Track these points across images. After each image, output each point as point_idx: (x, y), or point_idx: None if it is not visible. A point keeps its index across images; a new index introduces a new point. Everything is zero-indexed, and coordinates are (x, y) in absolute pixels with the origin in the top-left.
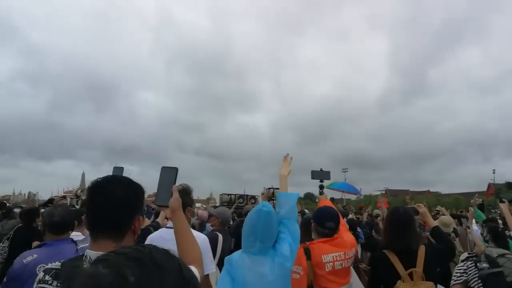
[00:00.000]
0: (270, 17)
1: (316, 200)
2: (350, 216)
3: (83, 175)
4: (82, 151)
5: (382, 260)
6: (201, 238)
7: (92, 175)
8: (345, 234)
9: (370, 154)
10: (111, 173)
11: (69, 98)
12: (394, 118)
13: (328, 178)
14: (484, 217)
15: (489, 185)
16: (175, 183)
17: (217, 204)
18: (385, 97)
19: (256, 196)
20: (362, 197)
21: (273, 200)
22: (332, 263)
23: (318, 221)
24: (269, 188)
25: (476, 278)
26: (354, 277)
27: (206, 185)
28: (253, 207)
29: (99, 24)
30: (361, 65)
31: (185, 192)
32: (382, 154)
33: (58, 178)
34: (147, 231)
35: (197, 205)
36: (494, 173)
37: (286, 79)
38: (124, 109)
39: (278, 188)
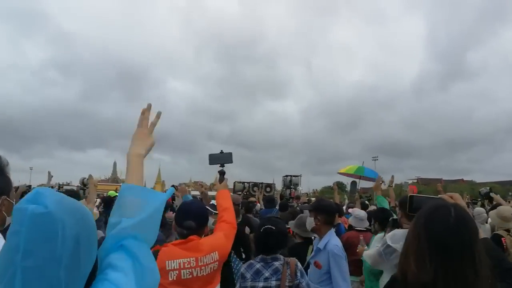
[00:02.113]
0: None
1: (345, 192)
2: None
3: (115, 164)
4: (114, 140)
5: None
6: None
7: (124, 164)
8: (213, 235)
9: (403, 142)
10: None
11: (100, 86)
12: (430, 103)
13: (230, 161)
14: (387, 204)
15: None
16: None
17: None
18: (421, 82)
19: (273, 184)
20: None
21: (291, 188)
22: (177, 271)
23: (177, 219)
24: (286, 176)
25: None
26: None
27: (235, 174)
28: (267, 196)
29: (129, 11)
30: (396, 47)
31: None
32: (416, 141)
33: (91, 167)
34: None
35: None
36: None
37: (318, 63)
38: (154, 97)
39: (296, 176)
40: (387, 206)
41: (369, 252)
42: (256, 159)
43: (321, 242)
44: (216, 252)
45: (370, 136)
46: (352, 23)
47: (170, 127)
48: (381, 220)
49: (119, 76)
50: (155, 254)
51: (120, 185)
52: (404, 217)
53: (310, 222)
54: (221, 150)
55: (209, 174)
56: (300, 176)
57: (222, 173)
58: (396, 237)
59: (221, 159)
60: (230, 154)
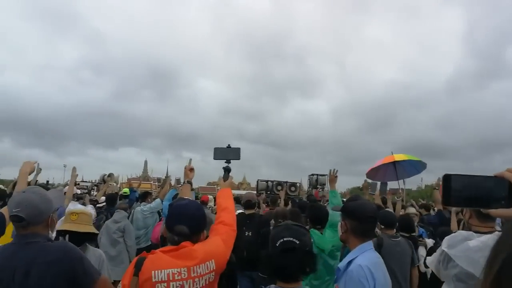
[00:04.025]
0: None
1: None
2: (412, 210)
3: (146, 162)
4: (145, 139)
5: None
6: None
7: (155, 163)
8: (209, 240)
9: (435, 142)
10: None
11: (132, 85)
12: (464, 103)
13: (238, 158)
14: (339, 201)
15: None
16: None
17: (254, 192)
18: (456, 80)
19: (298, 183)
20: (423, 187)
21: (317, 188)
22: (165, 284)
23: (167, 223)
24: (312, 175)
25: None
26: None
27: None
28: (272, 196)
29: (160, 10)
30: (431, 44)
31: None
32: (449, 141)
33: (123, 165)
34: None
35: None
36: None
37: (349, 61)
38: (184, 96)
39: (323, 175)
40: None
41: (430, 258)
42: (285, 158)
43: (344, 260)
44: (213, 260)
45: (402, 136)
46: (386, 19)
47: (200, 126)
48: (313, 218)
49: (151, 75)
50: (140, 262)
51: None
52: (473, 218)
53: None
54: (228, 145)
55: (239, 173)
56: (327, 175)
57: (227, 170)
58: (454, 241)
59: (227, 154)
60: (238, 149)
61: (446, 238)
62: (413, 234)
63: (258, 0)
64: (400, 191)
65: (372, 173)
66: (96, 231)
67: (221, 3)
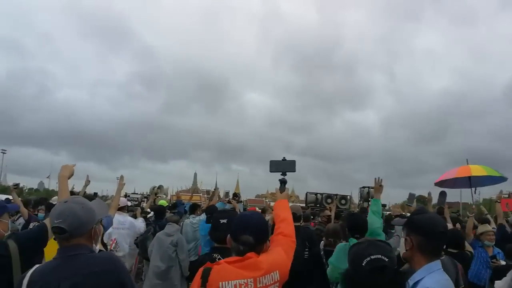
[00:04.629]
0: (382, 3)
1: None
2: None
3: (195, 175)
4: (194, 151)
5: None
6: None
7: (204, 175)
8: (272, 251)
9: (492, 153)
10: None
11: (182, 98)
12: None
13: (293, 170)
14: (380, 209)
15: None
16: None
17: (300, 205)
18: None
19: (348, 196)
20: (481, 201)
21: (369, 201)
22: None
23: (233, 233)
24: (363, 187)
25: None
26: None
27: (313, 186)
28: (344, 209)
29: (207, 22)
30: (487, 51)
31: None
32: (508, 153)
33: (173, 177)
34: None
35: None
36: None
37: (399, 71)
38: (233, 109)
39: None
40: (378, 211)
41: (500, 283)
42: (333, 171)
43: (410, 280)
44: (277, 271)
45: (456, 147)
46: (438, 26)
47: (248, 139)
48: (351, 226)
49: (200, 88)
50: (206, 273)
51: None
52: None
53: (403, 244)
54: (284, 158)
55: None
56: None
57: (283, 182)
58: None
59: (283, 166)
60: (293, 162)
61: None
62: (467, 250)
63: (305, 10)
64: (473, 206)
65: (440, 182)
66: None
67: (267, 14)
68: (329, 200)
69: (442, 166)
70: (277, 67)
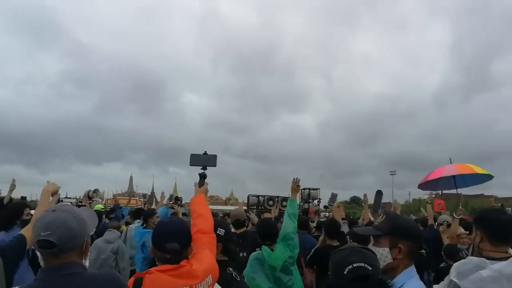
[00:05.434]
0: (320, 8)
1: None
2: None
3: (131, 178)
4: (130, 154)
5: None
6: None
7: (140, 178)
8: (203, 257)
9: (422, 155)
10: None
11: (117, 99)
12: (451, 116)
13: (214, 165)
14: (296, 211)
15: None
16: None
17: (244, 208)
18: (443, 94)
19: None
20: (411, 201)
21: (309, 202)
22: None
23: (155, 241)
24: (303, 189)
25: None
26: None
27: (252, 188)
28: (301, 218)
29: (144, 22)
30: (418, 57)
31: None
32: (435, 155)
33: (108, 181)
34: None
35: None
36: None
37: (337, 75)
38: (170, 110)
39: (315, 189)
40: (295, 212)
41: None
42: (272, 173)
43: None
44: (210, 275)
45: (388, 149)
46: (372, 32)
47: (186, 141)
48: (262, 234)
49: (136, 88)
50: (138, 283)
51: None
52: (485, 241)
53: (385, 254)
54: (205, 152)
55: (225, 189)
56: (319, 189)
57: (202, 176)
58: (464, 270)
59: (204, 161)
60: (215, 156)
61: (455, 265)
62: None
63: (244, 12)
64: (460, 207)
65: (425, 184)
66: None
67: (206, 15)
68: (270, 202)
69: (376, 167)
70: (216, 68)
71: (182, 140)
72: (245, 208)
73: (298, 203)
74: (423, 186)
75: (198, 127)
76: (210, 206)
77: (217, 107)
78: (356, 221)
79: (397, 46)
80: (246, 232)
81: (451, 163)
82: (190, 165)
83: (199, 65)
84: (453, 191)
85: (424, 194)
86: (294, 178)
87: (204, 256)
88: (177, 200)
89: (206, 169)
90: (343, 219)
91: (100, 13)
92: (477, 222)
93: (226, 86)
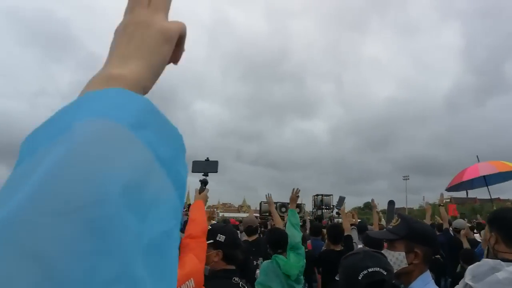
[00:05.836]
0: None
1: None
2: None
3: None
4: None
5: None
6: None
7: None
8: (185, 263)
9: (435, 159)
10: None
11: None
12: (463, 119)
13: (215, 171)
14: (298, 220)
15: None
16: None
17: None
18: (455, 97)
19: (302, 204)
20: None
21: (322, 208)
22: None
23: None
24: (316, 195)
25: None
26: None
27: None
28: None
29: None
30: (429, 61)
31: None
32: (448, 158)
33: None
34: None
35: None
36: None
37: (347, 80)
38: (181, 118)
39: (328, 195)
40: (297, 222)
41: None
42: (284, 179)
43: None
44: (192, 279)
45: (401, 154)
46: (382, 37)
47: (198, 148)
48: (273, 242)
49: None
50: None
51: None
52: (500, 242)
53: (400, 259)
54: (207, 158)
55: (238, 196)
56: (332, 195)
57: (203, 183)
58: (479, 272)
59: (205, 167)
60: (216, 162)
61: (470, 268)
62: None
63: (254, 20)
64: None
65: (457, 185)
66: None
67: (216, 24)
68: (283, 209)
69: (389, 172)
70: (227, 76)
71: (194, 148)
72: (257, 215)
73: (312, 210)
74: (455, 187)
75: (210, 135)
76: (223, 214)
77: (228, 114)
78: (365, 226)
79: (407, 50)
80: (258, 239)
81: (478, 161)
82: (192, 172)
83: (210, 74)
84: (463, 194)
85: (436, 199)
86: (293, 189)
87: (187, 261)
88: (190, 207)
89: (207, 175)
90: (352, 224)
91: (112, 24)
92: (491, 223)
93: (237, 94)
